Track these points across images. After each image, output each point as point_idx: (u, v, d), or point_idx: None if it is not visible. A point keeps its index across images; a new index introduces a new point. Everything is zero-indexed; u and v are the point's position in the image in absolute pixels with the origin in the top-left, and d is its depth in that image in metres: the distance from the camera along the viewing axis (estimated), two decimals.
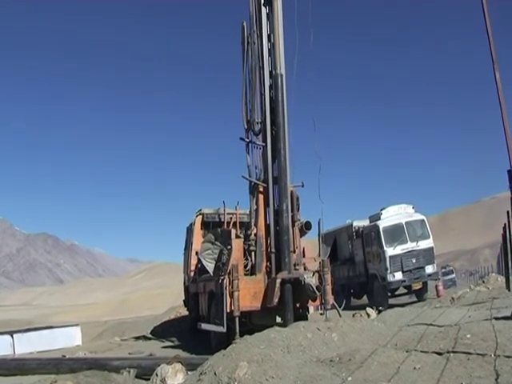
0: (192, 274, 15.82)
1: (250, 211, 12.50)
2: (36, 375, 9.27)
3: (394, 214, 22.28)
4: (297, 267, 11.72)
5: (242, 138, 12.69)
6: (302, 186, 12.37)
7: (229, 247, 11.95)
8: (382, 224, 21.55)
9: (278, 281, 11.02)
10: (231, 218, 15.65)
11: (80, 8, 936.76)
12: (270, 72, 12.34)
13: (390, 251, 20.95)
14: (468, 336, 7.48)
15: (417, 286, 21.84)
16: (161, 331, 19.65)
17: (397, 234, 21.35)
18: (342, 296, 23.08)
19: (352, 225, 24.16)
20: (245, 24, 12.85)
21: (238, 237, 12.38)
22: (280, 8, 12.24)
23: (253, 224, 12.10)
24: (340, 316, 11.68)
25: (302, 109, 14.40)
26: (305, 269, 11.92)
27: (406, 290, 23.56)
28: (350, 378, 6.00)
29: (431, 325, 9.56)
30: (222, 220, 15.81)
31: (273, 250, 11.70)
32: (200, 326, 12.33)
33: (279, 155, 11.82)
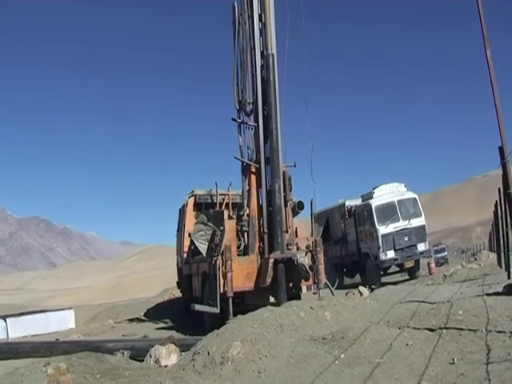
0: (185, 255, 15.80)
1: (243, 192, 12.47)
2: (30, 358, 9.25)
3: (387, 193, 22.27)
4: (289, 247, 11.74)
5: (233, 119, 12.61)
6: (295, 166, 12.34)
7: (221, 228, 11.92)
8: (375, 203, 21.55)
9: (271, 261, 11.04)
10: (224, 199, 15.61)
11: None
12: (262, 52, 12.26)
13: (383, 230, 20.98)
14: (460, 312, 7.53)
15: (409, 264, 21.91)
16: (154, 313, 19.72)
17: (389, 212, 21.36)
18: (335, 275, 23.11)
19: (344, 204, 24.13)
20: (235, 4, 12.75)
21: (230, 218, 12.37)
22: None
23: (245, 205, 12.09)
24: (333, 295, 11.75)
25: (294, 89, 14.32)
26: (297, 249, 11.93)
27: (398, 268, 23.69)
28: (342, 356, 6.04)
29: (423, 302, 9.64)
30: (215, 201, 15.75)
31: (265, 230, 11.72)
32: (193, 307, 12.31)
33: (271, 135, 11.77)
